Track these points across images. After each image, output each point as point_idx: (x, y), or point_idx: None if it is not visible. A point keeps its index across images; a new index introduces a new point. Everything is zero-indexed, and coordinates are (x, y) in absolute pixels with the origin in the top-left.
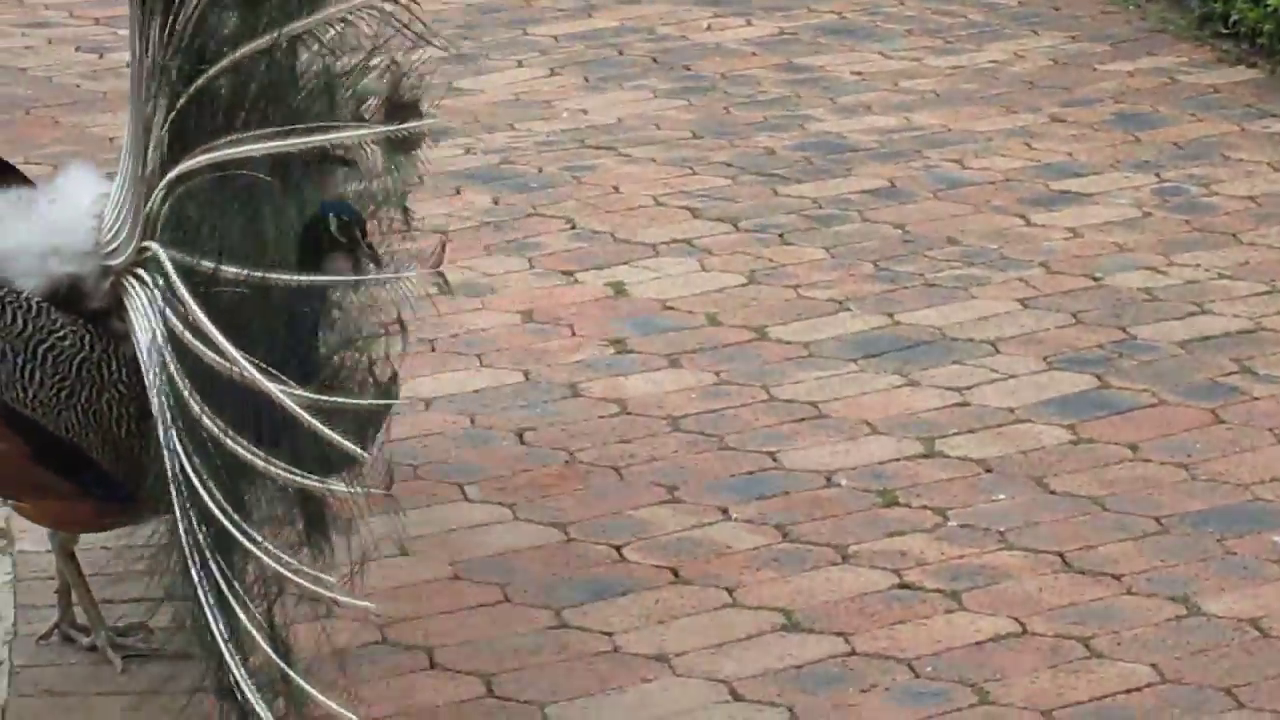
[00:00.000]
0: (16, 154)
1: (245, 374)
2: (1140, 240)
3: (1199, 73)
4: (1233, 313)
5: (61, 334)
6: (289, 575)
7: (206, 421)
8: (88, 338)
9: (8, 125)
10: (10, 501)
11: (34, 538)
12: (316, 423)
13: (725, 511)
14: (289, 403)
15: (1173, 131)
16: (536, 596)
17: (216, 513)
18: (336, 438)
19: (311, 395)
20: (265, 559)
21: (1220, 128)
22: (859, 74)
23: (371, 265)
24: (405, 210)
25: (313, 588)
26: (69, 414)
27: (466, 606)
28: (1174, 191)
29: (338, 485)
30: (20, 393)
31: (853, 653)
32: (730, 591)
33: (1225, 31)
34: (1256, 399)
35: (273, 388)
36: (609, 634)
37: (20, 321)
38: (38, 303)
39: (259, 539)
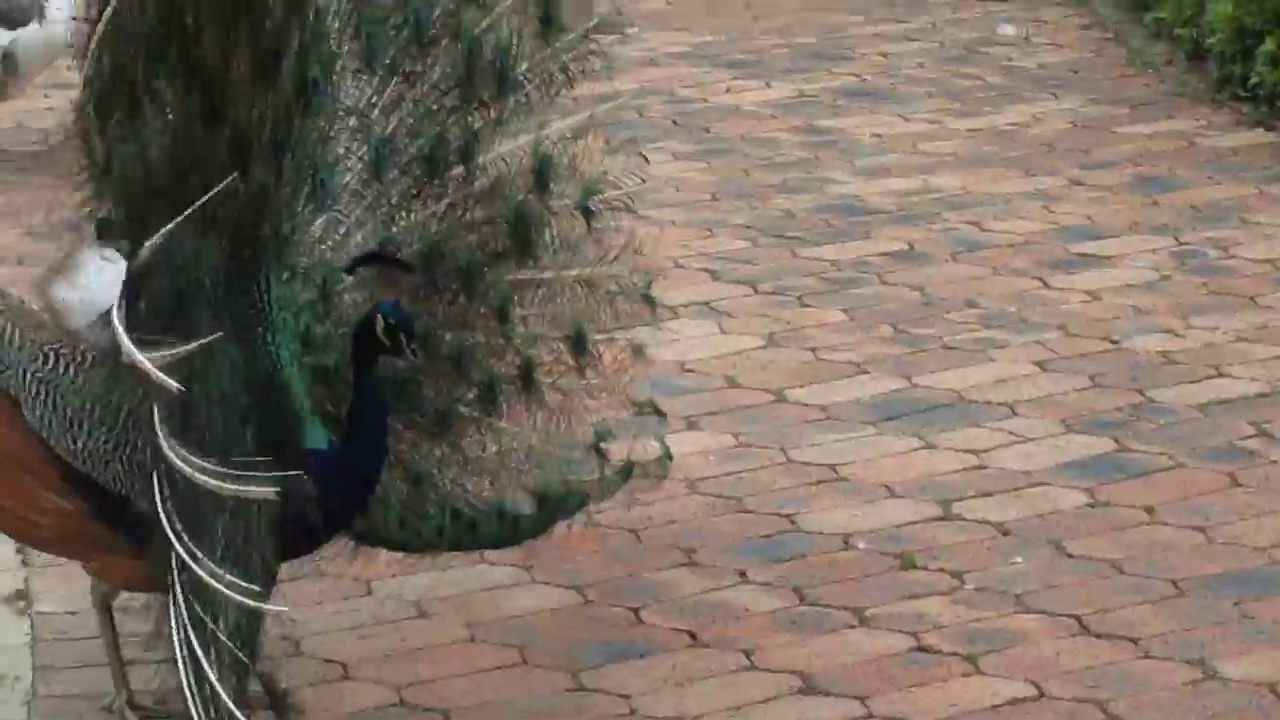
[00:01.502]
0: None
1: None
2: (1158, 303)
3: (1217, 136)
4: (1250, 376)
5: (110, 387)
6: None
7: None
8: (134, 391)
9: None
10: (83, 564)
11: (52, 599)
12: None
13: (743, 574)
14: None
15: (1191, 194)
16: (554, 659)
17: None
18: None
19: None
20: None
21: (1239, 191)
22: (878, 136)
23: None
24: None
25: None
26: (116, 465)
27: (483, 669)
28: (1192, 254)
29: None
30: (71, 443)
31: (870, 715)
32: (748, 654)
33: (1244, 94)
34: (1274, 462)
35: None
36: (626, 696)
37: (73, 374)
38: (92, 356)
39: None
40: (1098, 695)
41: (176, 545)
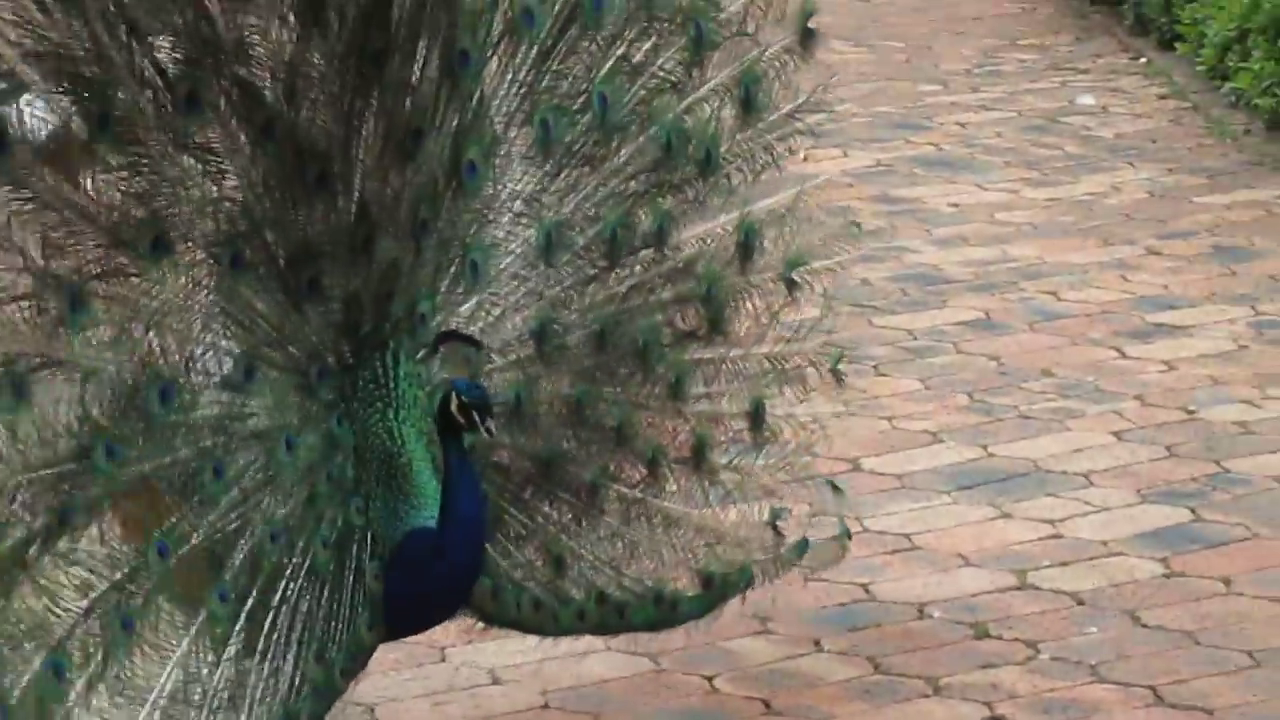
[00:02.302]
0: None
1: None
2: (1235, 374)
3: None
4: None
5: None
6: None
7: None
8: None
9: None
10: None
11: None
12: None
13: (817, 643)
14: None
15: (1269, 264)
16: None
17: None
18: None
19: None
20: None
21: None
22: (955, 205)
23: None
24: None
25: None
26: None
27: None
28: (1270, 324)
29: None
30: None
31: None
32: None
33: None
34: None
35: None
36: None
37: None
38: None
39: None
40: None
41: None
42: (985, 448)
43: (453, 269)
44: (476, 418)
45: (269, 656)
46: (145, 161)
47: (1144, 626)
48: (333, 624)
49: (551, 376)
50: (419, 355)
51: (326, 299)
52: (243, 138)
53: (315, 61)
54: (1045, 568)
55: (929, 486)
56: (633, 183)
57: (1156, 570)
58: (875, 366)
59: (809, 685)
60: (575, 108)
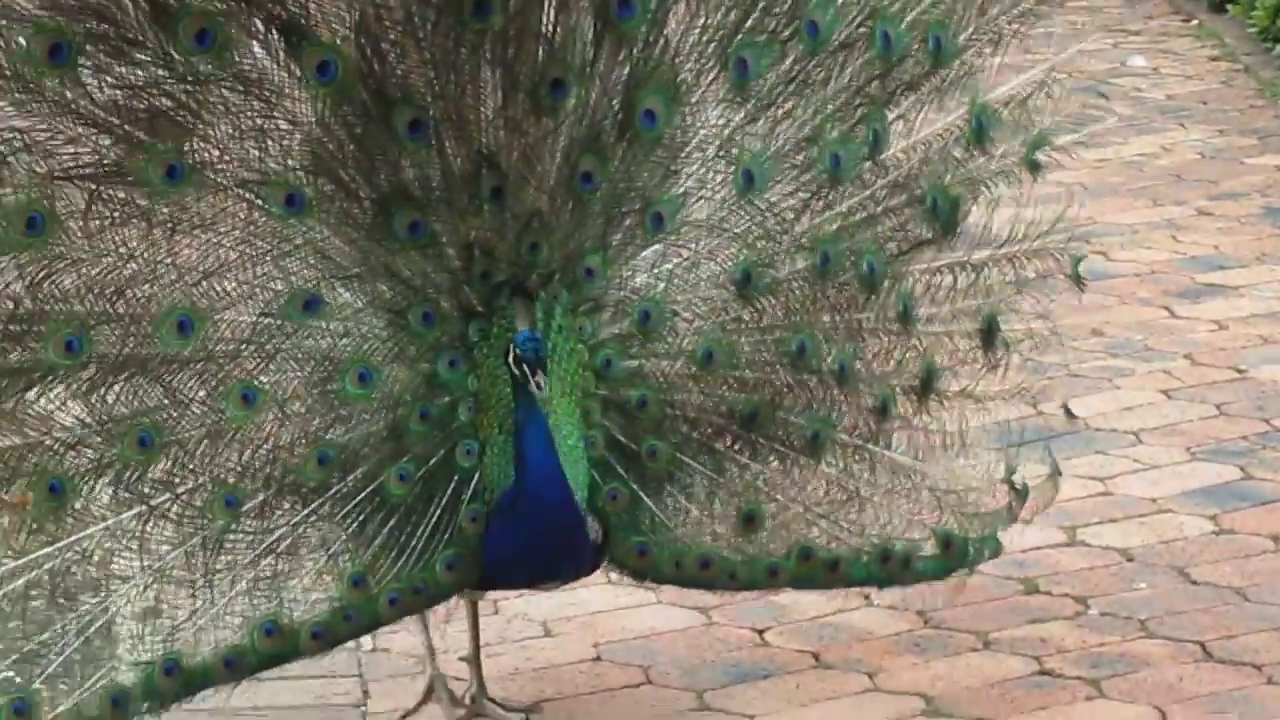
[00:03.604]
0: None
1: None
2: None
3: None
4: None
5: None
6: None
7: None
8: None
9: None
10: None
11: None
12: None
13: (867, 596)
14: None
15: None
16: (679, 679)
17: None
18: None
19: None
20: None
21: None
22: None
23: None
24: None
25: None
26: None
27: (609, 688)
28: None
29: None
30: None
31: None
32: (871, 676)
33: None
34: None
35: None
36: (750, 717)
37: None
38: None
39: None
40: None
41: None
42: (1035, 406)
43: (628, 221)
44: (527, 372)
45: (289, 557)
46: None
47: (1193, 583)
48: (398, 555)
49: (758, 321)
50: (580, 308)
51: (436, 244)
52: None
53: (394, 7)
54: (1095, 524)
55: (979, 444)
56: (857, 96)
57: (1206, 527)
58: None
59: (859, 638)
60: (781, 40)
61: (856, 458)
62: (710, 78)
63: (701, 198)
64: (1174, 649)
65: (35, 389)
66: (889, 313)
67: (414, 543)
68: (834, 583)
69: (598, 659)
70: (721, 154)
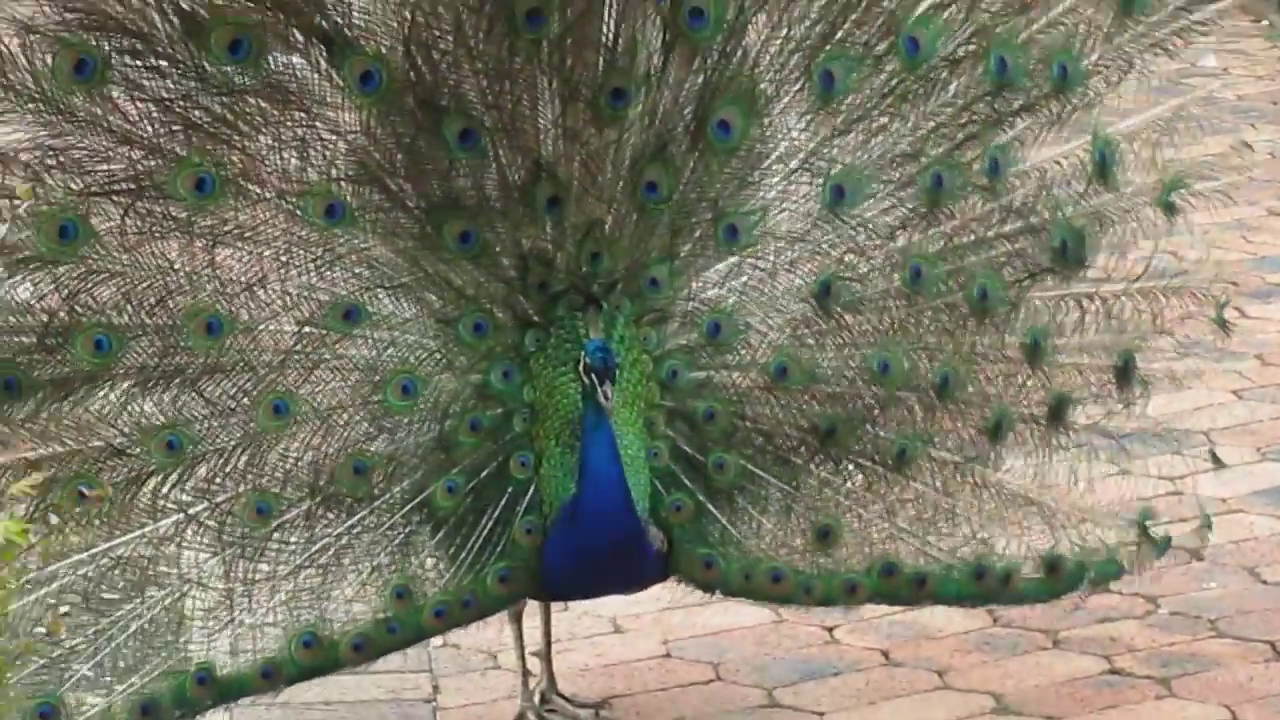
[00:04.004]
0: None
1: None
2: None
3: None
4: None
5: None
6: None
7: None
8: None
9: None
10: None
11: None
12: None
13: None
14: None
15: None
16: (749, 675)
17: None
18: None
19: None
20: None
21: None
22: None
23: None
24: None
25: None
26: None
27: (679, 685)
28: None
29: None
30: None
31: None
32: (941, 674)
33: None
34: None
35: None
36: (820, 714)
37: None
38: None
39: None
40: None
41: None
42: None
43: (698, 232)
44: (593, 381)
45: (335, 565)
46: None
47: (1263, 583)
48: (446, 567)
49: (839, 336)
50: (643, 318)
51: (489, 254)
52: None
53: (443, 16)
54: (1164, 524)
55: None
56: (962, 116)
57: (1276, 527)
58: None
59: (928, 636)
60: (875, 54)
61: (958, 476)
62: (794, 89)
63: (785, 210)
64: (1244, 649)
65: (72, 399)
66: (1008, 339)
67: (464, 555)
68: (920, 599)
69: (667, 655)
70: (807, 167)
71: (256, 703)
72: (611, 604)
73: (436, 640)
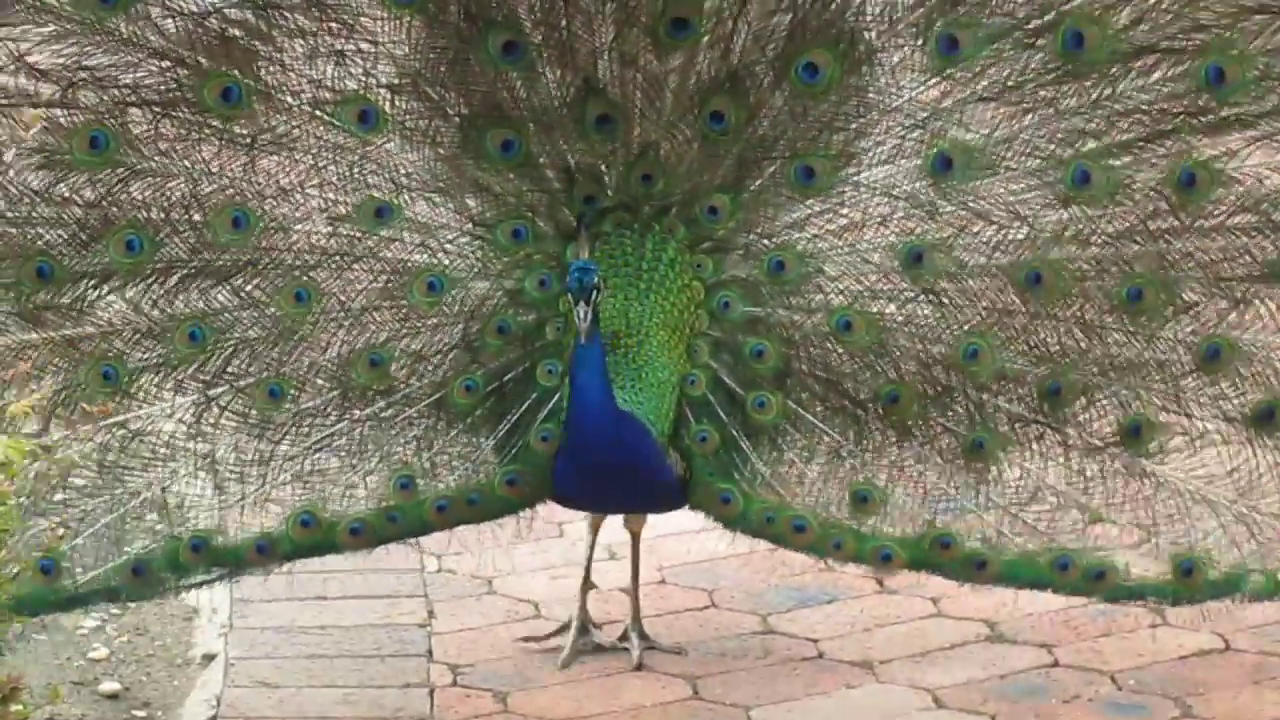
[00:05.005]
0: None
1: None
2: None
3: None
4: None
5: None
6: None
7: None
8: None
9: None
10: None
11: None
12: None
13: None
14: None
15: None
16: (743, 602)
17: None
18: None
19: None
20: None
21: None
22: None
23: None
24: None
25: None
26: None
27: (674, 610)
28: None
29: None
30: None
31: (1056, 664)
32: (935, 602)
33: None
34: None
35: None
36: (814, 640)
37: None
38: None
39: None
40: None
41: None
42: None
43: (771, 169)
44: (570, 299)
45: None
46: None
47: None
48: (457, 464)
49: (922, 308)
50: (701, 245)
51: (532, 164)
52: None
53: None
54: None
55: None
56: (1142, 118)
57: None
58: None
59: None
60: (1027, 31)
61: (1088, 464)
62: (909, 47)
63: (889, 165)
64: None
65: (106, 287)
66: (1168, 341)
67: (477, 454)
68: (979, 579)
69: (662, 582)
70: (919, 126)
71: (251, 626)
72: (606, 531)
73: (432, 566)
